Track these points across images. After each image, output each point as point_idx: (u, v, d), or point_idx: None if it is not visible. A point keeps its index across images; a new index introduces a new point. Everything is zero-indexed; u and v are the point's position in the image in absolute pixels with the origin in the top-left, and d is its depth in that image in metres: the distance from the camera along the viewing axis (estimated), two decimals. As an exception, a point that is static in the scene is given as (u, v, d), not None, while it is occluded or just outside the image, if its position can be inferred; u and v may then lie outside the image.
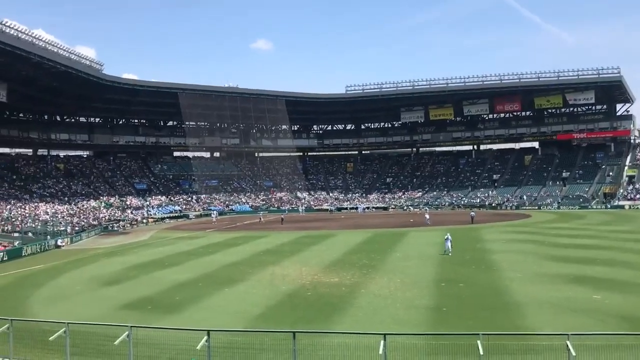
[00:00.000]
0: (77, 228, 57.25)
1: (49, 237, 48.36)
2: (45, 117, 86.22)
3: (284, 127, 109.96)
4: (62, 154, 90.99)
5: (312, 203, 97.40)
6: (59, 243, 46.67)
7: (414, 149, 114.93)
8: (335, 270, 29.13)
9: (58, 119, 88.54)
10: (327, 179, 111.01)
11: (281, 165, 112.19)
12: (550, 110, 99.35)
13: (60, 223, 57.22)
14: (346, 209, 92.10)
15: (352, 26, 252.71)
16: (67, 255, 40.05)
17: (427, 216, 62.04)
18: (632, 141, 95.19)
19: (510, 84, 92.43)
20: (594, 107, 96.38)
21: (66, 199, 72.76)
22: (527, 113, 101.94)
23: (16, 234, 48.86)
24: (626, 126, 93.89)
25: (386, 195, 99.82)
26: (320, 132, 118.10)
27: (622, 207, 77.51)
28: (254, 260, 34.24)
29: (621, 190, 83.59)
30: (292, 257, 34.81)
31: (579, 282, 23.93)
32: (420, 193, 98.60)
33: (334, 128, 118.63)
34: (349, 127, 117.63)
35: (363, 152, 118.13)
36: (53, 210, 64.32)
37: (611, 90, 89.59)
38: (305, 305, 21.27)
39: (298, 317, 19.42)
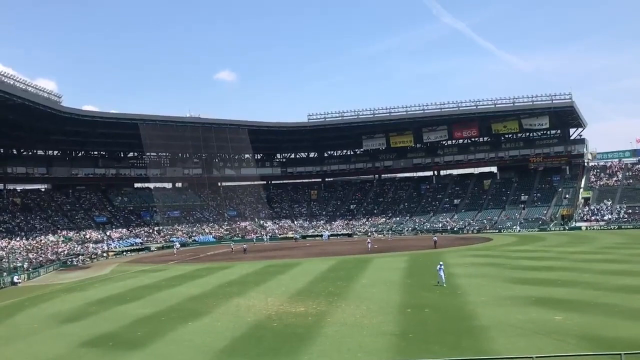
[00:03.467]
0: (34, 264, 55.51)
1: (4, 274, 46.74)
2: (1, 150, 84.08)
3: (247, 156, 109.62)
4: (19, 187, 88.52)
5: (277, 231, 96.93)
6: (15, 280, 45.19)
7: (376, 176, 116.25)
8: (301, 299, 28.98)
9: (15, 152, 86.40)
10: (292, 207, 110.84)
11: (245, 194, 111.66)
12: (507, 136, 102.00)
13: (17, 259, 55.40)
14: (311, 236, 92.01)
15: (314, 55, 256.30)
16: (24, 293, 38.78)
17: (369, 243, 62.24)
18: (586, 164, 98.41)
19: (468, 110, 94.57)
20: (548, 132, 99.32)
21: (23, 234, 70.63)
22: (485, 138, 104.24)
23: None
24: (580, 150, 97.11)
25: (350, 222, 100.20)
26: (284, 160, 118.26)
27: (579, 228, 79.58)
28: (219, 291, 33.79)
29: (578, 212, 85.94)
30: (257, 288, 34.49)
31: (541, 304, 24.38)
32: (384, 219, 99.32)
33: (297, 156, 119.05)
34: (312, 155, 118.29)
35: (326, 179, 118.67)
36: (9, 246, 62.29)
37: (564, 116, 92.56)
38: (272, 336, 21.05)
39: (264, 349, 19.20)
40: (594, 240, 60.19)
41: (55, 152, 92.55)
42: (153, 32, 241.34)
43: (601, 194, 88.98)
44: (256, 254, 63.89)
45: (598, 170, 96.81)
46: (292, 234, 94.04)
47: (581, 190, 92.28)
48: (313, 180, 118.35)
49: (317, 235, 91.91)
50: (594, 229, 78.47)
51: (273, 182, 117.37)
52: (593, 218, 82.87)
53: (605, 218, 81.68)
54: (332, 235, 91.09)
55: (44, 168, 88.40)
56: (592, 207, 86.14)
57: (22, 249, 62.76)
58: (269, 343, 20.08)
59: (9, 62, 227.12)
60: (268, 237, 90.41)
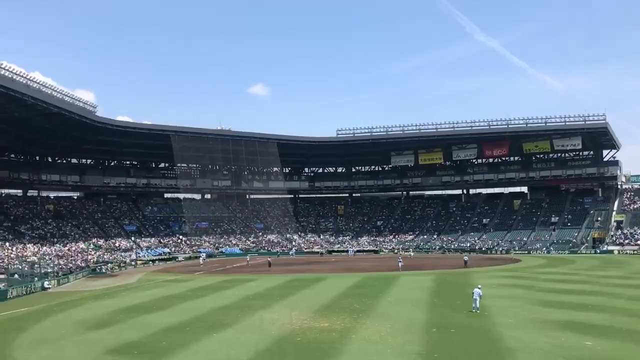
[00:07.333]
0: (64, 270, 56.46)
1: (35, 279, 47.64)
2: (37, 157, 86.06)
3: (275, 169, 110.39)
4: (52, 195, 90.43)
5: (302, 245, 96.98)
6: (45, 285, 45.98)
7: (404, 193, 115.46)
8: (325, 314, 28.85)
9: (49, 160, 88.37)
10: (318, 222, 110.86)
11: (272, 207, 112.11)
12: (538, 156, 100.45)
13: (48, 265, 56.43)
14: (337, 251, 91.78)
15: (345, 71, 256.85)
16: (53, 298, 39.43)
17: (401, 261, 59.37)
18: (619, 187, 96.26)
19: (499, 129, 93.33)
20: (581, 153, 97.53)
21: (55, 240, 71.99)
22: (516, 158, 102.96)
23: (1, 276, 48.03)
24: (613, 172, 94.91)
25: (377, 238, 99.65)
26: (312, 174, 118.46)
27: (611, 252, 77.68)
28: (243, 304, 33.86)
29: (610, 235, 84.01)
30: (281, 301, 34.46)
31: (571, 328, 23.84)
32: (411, 236, 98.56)
33: (325, 171, 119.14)
34: (340, 170, 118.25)
35: (354, 195, 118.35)
36: (41, 252, 63.53)
37: (597, 137, 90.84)
38: (295, 351, 20.97)
39: (287, 363, 19.15)
40: (626, 265, 58.66)
41: (89, 161, 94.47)
42: (189, 45, 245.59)
43: (635, 218, 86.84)
44: (281, 267, 63.92)
45: (632, 194, 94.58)
46: (318, 248, 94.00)
47: (614, 213, 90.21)
48: (340, 195, 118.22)
49: (342, 251, 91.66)
50: (626, 253, 76.51)
51: (300, 196, 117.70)
52: (626, 242, 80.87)
53: (639, 242, 79.62)
54: (358, 251, 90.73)
55: (77, 176, 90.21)
56: (625, 231, 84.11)
57: (53, 255, 63.96)
58: (292, 358, 20.03)
59: (49, 72, 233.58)
60: (294, 250, 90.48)
